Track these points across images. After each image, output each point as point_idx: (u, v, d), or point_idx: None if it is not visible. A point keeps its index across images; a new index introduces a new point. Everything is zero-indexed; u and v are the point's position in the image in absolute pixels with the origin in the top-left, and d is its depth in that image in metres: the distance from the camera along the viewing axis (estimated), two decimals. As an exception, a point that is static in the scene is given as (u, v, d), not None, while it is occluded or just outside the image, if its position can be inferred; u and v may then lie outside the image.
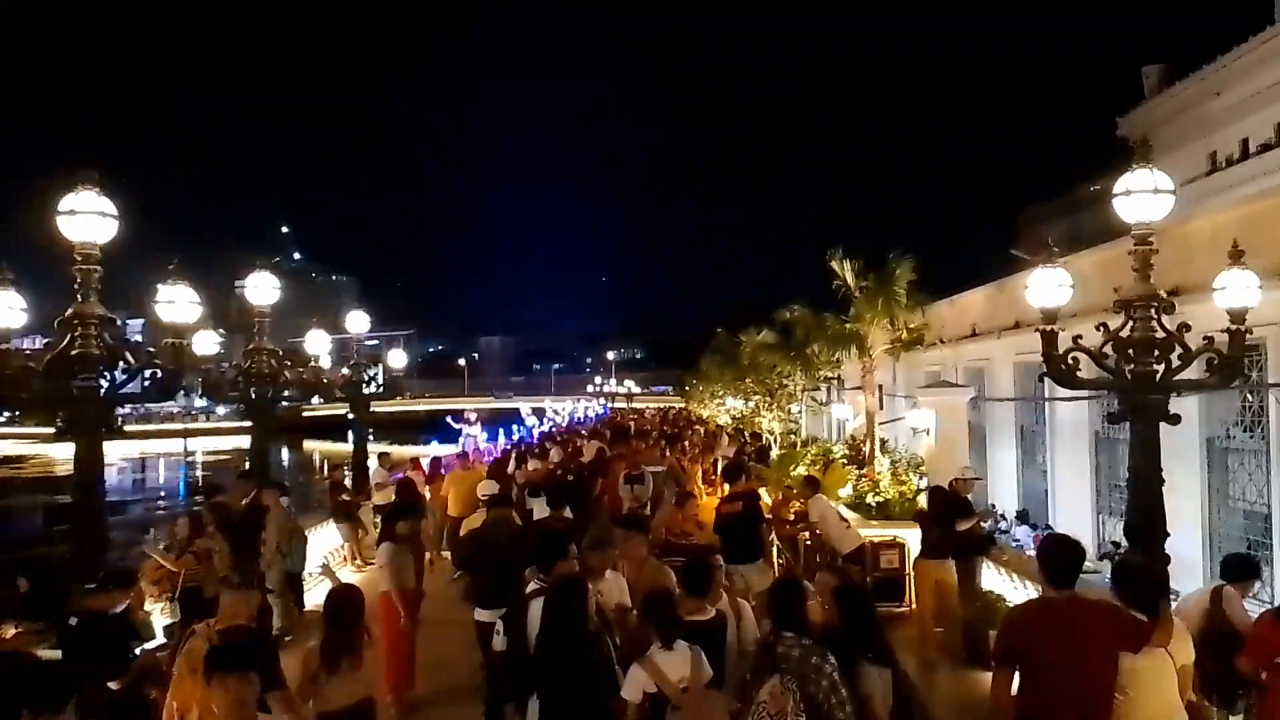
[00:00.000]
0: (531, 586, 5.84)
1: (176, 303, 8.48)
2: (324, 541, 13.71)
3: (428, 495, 14.59)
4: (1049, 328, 7.61)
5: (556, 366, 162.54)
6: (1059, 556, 4.93)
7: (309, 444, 77.68)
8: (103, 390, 7.80)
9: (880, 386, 19.89)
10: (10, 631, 8.15)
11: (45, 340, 7.90)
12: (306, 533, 11.41)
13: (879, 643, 5.10)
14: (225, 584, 6.06)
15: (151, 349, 8.21)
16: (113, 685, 4.52)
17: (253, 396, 12.32)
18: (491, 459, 20.06)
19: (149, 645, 6.44)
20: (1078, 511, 15.47)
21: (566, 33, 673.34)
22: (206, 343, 12.00)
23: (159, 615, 8.35)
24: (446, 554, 12.95)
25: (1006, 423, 18.55)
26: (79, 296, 7.52)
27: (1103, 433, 14.79)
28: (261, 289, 11.95)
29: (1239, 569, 6.21)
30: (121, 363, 7.78)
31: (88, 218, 7.39)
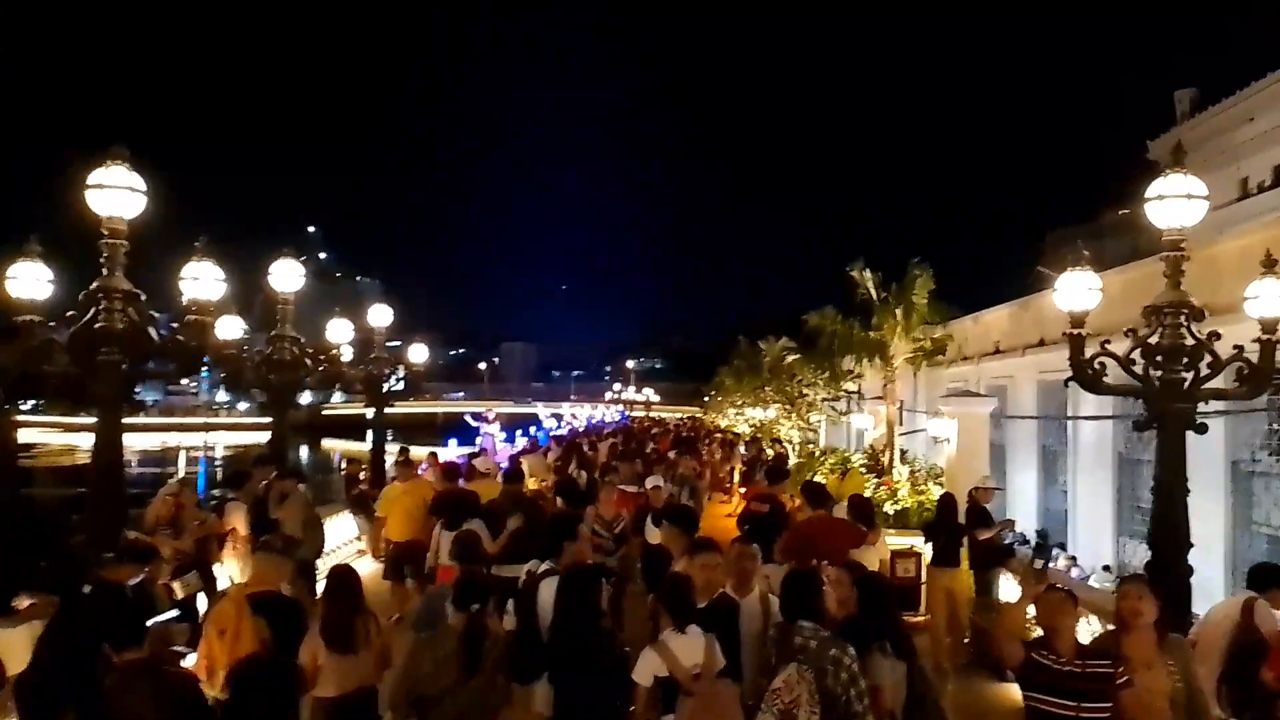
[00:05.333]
0: (544, 567, 5.81)
1: (202, 279, 8.51)
2: (340, 531, 13.73)
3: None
4: (1076, 331, 7.49)
5: (577, 374, 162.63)
6: (811, 492, 9.12)
7: (328, 442, 78.00)
8: (124, 366, 7.81)
9: (901, 401, 19.75)
10: (26, 602, 8.18)
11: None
12: (323, 520, 11.41)
13: (896, 635, 5.03)
14: (264, 547, 5.93)
15: (175, 323, 8.21)
16: (132, 655, 4.49)
17: (274, 383, 12.37)
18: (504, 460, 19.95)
19: (161, 617, 6.43)
20: (1098, 532, 15.28)
21: (595, 41, 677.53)
22: (232, 328, 12.00)
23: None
24: None
25: (1028, 442, 18.37)
26: (104, 270, 7.53)
27: (1125, 453, 14.60)
28: (286, 276, 12.01)
29: (1270, 578, 5.97)
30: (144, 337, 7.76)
31: (116, 192, 7.40)
